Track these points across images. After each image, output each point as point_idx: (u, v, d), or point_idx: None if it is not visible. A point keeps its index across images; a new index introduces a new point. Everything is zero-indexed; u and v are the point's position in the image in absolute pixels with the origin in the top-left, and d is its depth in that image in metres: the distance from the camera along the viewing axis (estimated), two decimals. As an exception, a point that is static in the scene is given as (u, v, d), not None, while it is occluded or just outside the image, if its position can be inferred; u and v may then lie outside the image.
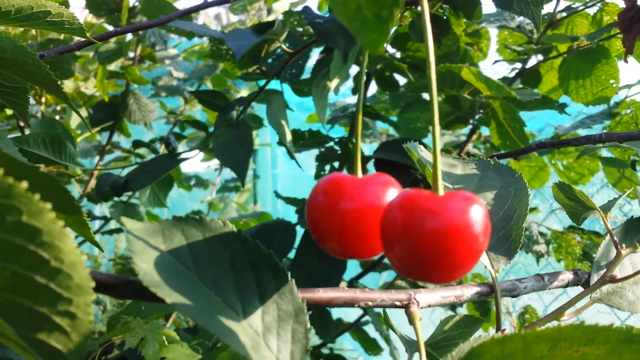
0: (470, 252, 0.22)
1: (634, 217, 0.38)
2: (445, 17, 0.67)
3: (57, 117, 1.02)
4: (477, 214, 0.22)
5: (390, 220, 0.23)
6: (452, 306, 1.17)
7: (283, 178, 2.21)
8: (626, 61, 0.81)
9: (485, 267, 0.31)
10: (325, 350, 1.10)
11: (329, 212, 0.25)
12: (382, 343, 1.16)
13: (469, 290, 0.32)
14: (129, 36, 0.88)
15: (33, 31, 0.87)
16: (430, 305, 0.31)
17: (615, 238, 0.36)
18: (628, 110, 0.96)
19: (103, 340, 0.65)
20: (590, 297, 0.34)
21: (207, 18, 1.01)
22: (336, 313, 1.11)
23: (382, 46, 0.18)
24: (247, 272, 0.24)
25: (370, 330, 1.22)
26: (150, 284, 0.21)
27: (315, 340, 1.08)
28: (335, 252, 0.25)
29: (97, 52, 0.90)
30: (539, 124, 1.11)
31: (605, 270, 0.35)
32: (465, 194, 0.23)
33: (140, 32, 0.84)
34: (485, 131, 0.95)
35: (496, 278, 0.31)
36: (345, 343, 1.66)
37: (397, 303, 0.29)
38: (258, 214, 1.23)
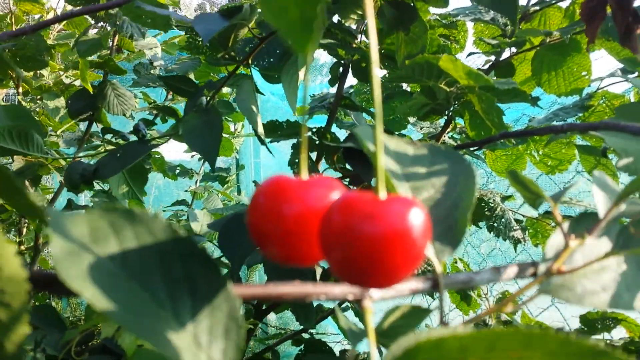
0: (409, 258, 0.21)
1: (589, 211, 0.39)
2: (412, 4, 0.67)
3: (34, 106, 1.02)
4: (417, 218, 0.21)
5: (327, 224, 0.22)
6: (431, 293, 1.19)
7: (265, 167, 2.22)
8: (588, 50, 0.82)
9: (429, 259, 0.30)
10: (306, 335, 1.13)
11: (269, 216, 0.24)
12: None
13: (424, 284, 0.32)
14: (108, 28, 0.88)
15: (8, 19, 0.86)
16: (385, 299, 0.31)
17: (566, 229, 0.34)
18: (601, 101, 0.98)
19: (81, 329, 0.67)
20: (537, 290, 0.33)
21: (189, 10, 1.01)
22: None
23: (310, 45, 0.18)
24: (177, 267, 0.23)
25: (350, 315, 1.24)
26: (73, 284, 0.19)
27: (297, 325, 1.10)
28: (275, 258, 0.24)
29: (77, 42, 0.89)
30: (514, 114, 1.13)
31: (552, 262, 0.35)
32: (406, 198, 0.22)
33: (118, 23, 0.83)
34: (461, 121, 0.96)
35: (440, 271, 0.30)
36: (329, 327, 1.69)
37: (350, 296, 0.28)
38: (239, 207, 1.24)
